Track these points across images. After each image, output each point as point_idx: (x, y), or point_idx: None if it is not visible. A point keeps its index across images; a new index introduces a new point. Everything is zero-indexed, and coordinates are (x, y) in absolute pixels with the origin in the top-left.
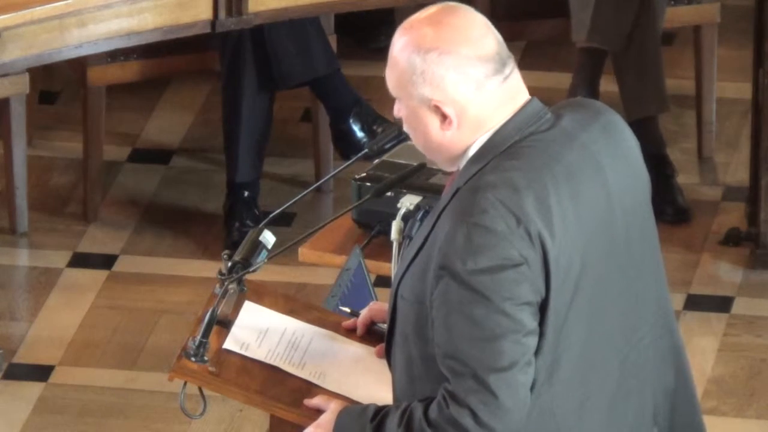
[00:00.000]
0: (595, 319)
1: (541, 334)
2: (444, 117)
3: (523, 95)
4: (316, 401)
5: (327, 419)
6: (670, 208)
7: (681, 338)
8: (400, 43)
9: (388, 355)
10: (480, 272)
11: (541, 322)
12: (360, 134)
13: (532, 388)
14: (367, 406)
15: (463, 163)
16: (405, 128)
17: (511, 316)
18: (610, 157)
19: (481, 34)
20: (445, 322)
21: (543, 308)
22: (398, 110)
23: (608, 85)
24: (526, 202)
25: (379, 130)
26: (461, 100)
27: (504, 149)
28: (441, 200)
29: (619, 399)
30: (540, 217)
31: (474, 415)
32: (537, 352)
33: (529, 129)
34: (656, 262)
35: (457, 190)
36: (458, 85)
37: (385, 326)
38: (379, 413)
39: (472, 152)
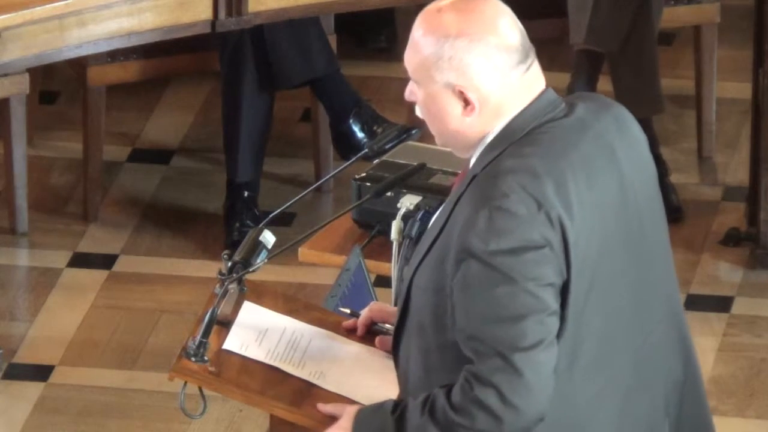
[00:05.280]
0: (612, 307)
1: (563, 319)
2: (467, 103)
3: (539, 85)
4: (330, 408)
5: (345, 421)
6: None
7: (689, 330)
8: (426, 26)
9: (395, 350)
10: (503, 253)
11: (563, 307)
12: (360, 135)
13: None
14: (383, 402)
15: (479, 150)
16: (419, 112)
17: (535, 296)
18: (623, 147)
19: (508, 24)
20: (468, 304)
21: (564, 293)
22: (411, 93)
23: (606, 85)
24: (546, 188)
25: (379, 130)
26: (485, 88)
27: (521, 136)
28: (455, 189)
29: (633, 389)
30: (559, 202)
31: (500, 394)
32: (558, 337)
33: (545, 117)
34: (666, 252)
35: (474, 177)
36: (485, 73)
37: (385, 326)
38: (399, 406)
39: (489, 139)
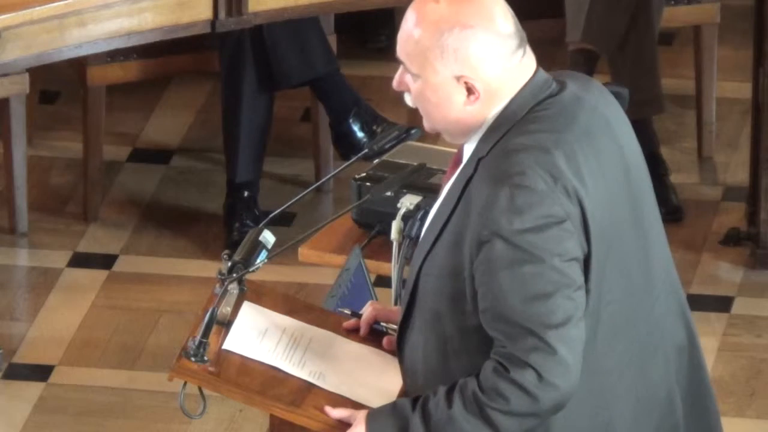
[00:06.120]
0: (625, 274)
1: (587, 291)
2: (470, 92)
3: (533, 67)
4: (339, 413)
5: (357, 426)
6: (662, 207)
7: (685, 298)
8: (423, 17)
9: (400, 345)
10: (527, 231)
11: (586, 279)
12: (360, 134)
13: None
14: (396, 402)
15: (479, 134)
16: (410, 101)
17: (562, 272)
18: (613, 116)
19: (503, 11)
20: (495, 286)
21: (586, 264)
22: (401, 83)
23: None
24: (559, 161)
25: (379, 130)
26: (489, 76)
27: (522, 116)
28: (458, 176)
29: (648, 356)
30: (573, 174)
31: (537, 374)
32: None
33: (542, 95)
34: (658, 217)
35: (479, 161)
36: (488, 62)
37: (388, 325)
38: (417, 403)
39: (489, 123)
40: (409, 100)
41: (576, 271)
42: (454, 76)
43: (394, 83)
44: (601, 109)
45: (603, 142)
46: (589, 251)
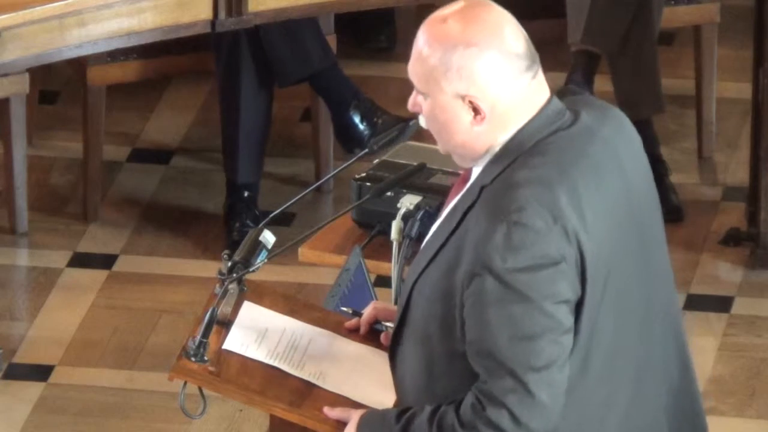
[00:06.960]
0: (621, 312)
1: (576, 332)
2: (476, 112)
3: (545, 93)
4: (337, 413)
5: (350, 428)
6: (662, 207)
7: (685, 335)
8: (432, 36)
9: (392, 354)
10: (519, 271)
11: (577, 320)
12: (361, 126)
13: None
14: (386, 411)
15: (485, 160)
16: (423, 123)
17: (550, 315)
18: (625, 149)
19: (514, 31)
20: (482, 321)
21: (579, 305)
22: (415, 105)
23: (604, 85)
24: (560, 199)
25: (380, 121)
26: (494, 95)
27: (529, 147)
28: (459, 197)
29: (641, 387)
30: (574, 212)
31: (512, 415)
32: (571, 349)
33: (553, 126)
34: (664, 250)
35: (482, 189)
36: (494, 81)
37: (386, 324)
38: (403, 416)
39: (495, 150)
40: (422, 121)
41: (565, 314)
42: (459, 94)
43: (409, 105)
44: (612, 142)
45: (609, 177)
46: (583, 293)
